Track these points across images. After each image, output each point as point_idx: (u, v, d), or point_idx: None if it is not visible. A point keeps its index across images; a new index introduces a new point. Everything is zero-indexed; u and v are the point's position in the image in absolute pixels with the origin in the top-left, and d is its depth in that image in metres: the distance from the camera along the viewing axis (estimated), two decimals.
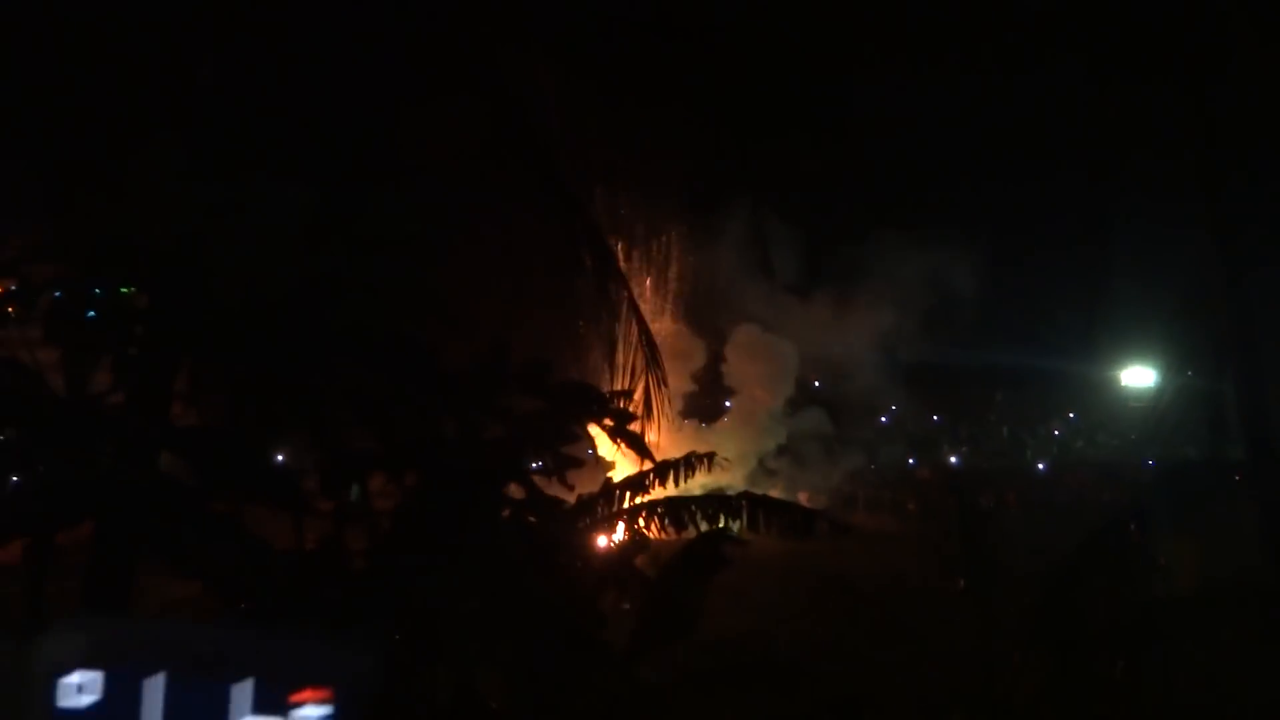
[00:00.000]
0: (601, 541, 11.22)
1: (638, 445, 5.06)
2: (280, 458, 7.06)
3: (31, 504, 3.52)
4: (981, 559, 10.91)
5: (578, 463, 4.59)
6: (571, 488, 6.28)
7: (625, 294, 13.30)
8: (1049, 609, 9.74)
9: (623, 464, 12.76)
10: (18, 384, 3.59)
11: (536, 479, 5.34)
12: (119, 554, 7.34)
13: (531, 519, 5.33)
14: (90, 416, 3.58)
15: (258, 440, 4.13)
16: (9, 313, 3.46)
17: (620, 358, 13.50)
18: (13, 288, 3.60)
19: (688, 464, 12.34)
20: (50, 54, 7.89)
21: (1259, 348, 12.74)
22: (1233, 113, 14.12)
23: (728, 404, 59.66)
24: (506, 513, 5.13)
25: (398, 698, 9.50)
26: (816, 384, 62.53)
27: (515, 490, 4.98)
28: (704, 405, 58.66)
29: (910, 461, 65.28)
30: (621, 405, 7.77)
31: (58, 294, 3.53)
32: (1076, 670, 9.60)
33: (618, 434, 4.61)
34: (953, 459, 68.26)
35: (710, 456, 12.94)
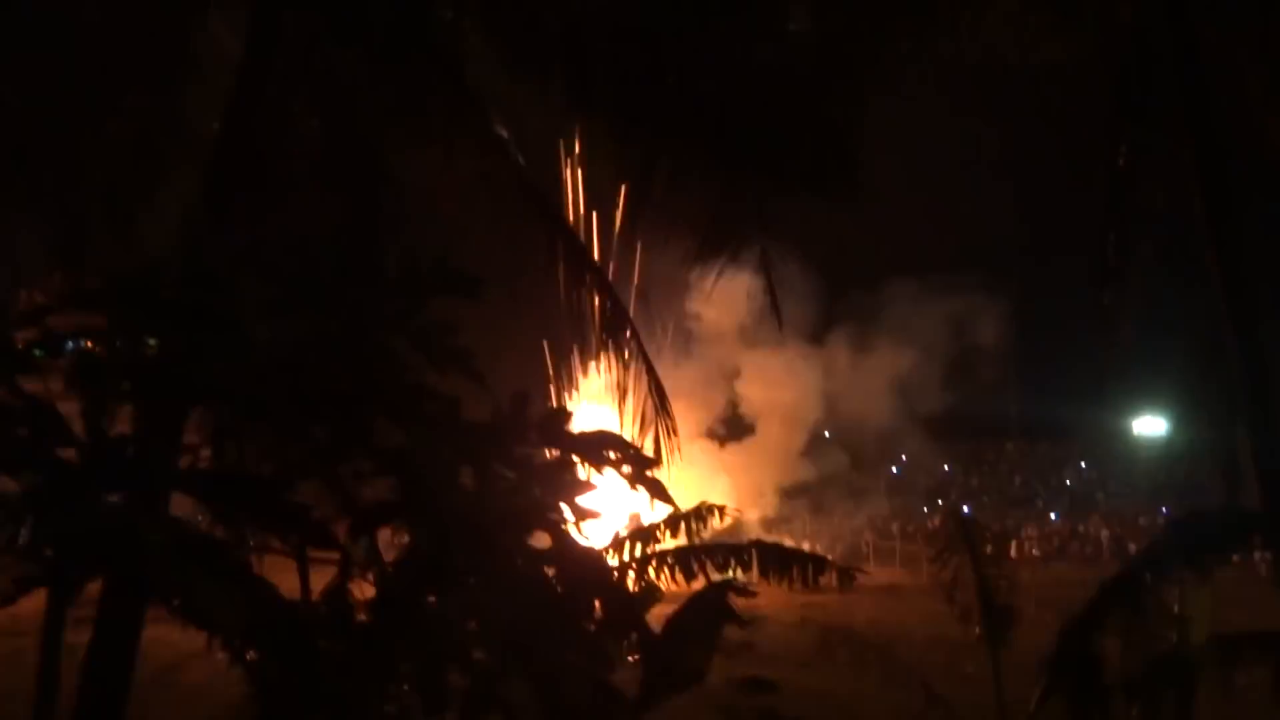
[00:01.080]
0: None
1: (659, 492, 5.01)
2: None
3: (52, 552, 3.52)
4: (996, 608, 10.85)
5: (595, 515, 4.56)
6: (588, 539, 6.27)
7: (635, 343, 13.37)
8: (1064, 658, 9.66)
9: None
10: (41, 427, 3.60)
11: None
12: (128, 604, 7.33)
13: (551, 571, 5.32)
14: (108, 460, 3.58)
15: (274, 487, 4.12)
16: (32, 362, 3.47)
17: (631, 405, 13.54)
18: (36, 338, 3.61)
19: (699, 516, 12.29)
20: (66, 101, 7.96)
21: (1272, 394, 12.68)
22: (1242, 155, 14.11)
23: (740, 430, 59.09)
24: (523, 563, 5.10)
25: None
26: (827, 434, 62.21)
27: (541, 539, 4.95)
28: (721, 430, 58.20)
29: (924, 510, 64.95)
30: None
31: (76, 344, 3.54)
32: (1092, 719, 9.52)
33: (639, 481, 4.56)
34: (965, 508, 68.04)
35: (722, 509, 12.90)
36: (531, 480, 4.19)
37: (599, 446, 4.35)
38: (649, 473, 5.68)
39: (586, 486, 4.61)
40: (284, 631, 5.22)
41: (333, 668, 6.09)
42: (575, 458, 4.49)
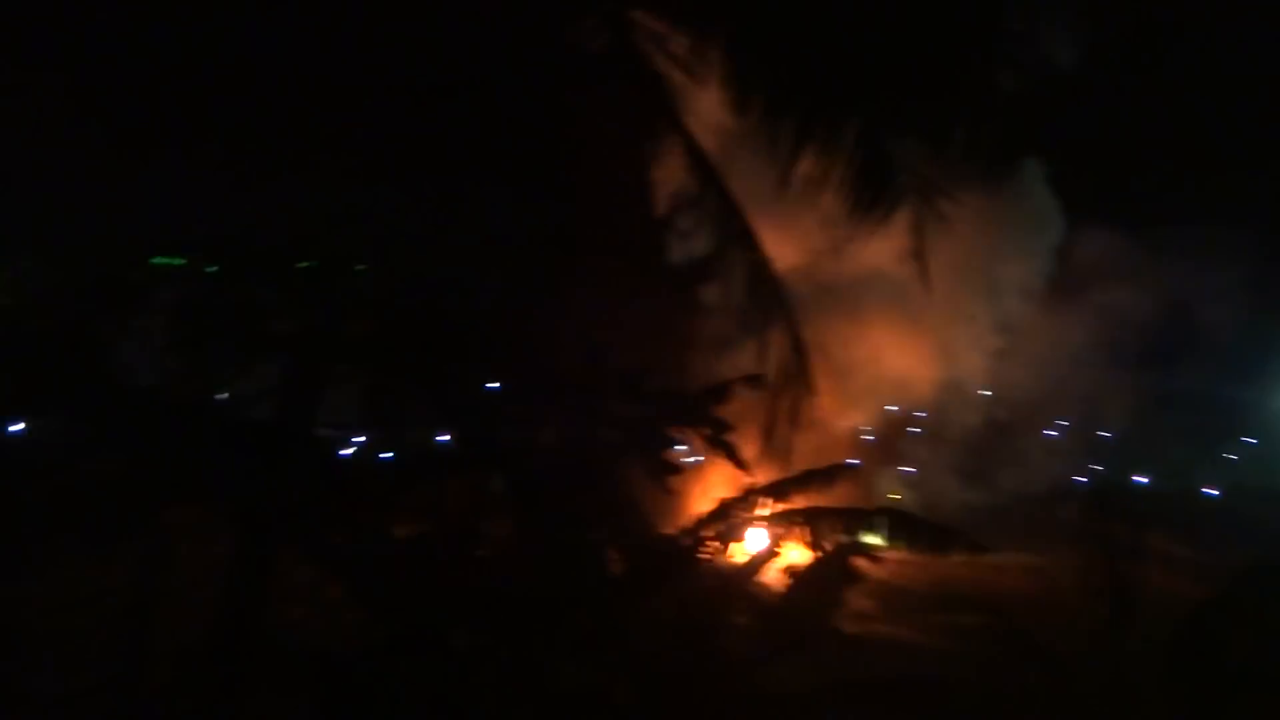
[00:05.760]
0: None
1: (731, 455, 5.06)
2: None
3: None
4: (1124, 591, 10.72)
5: (677, 469, 4.68)
6: (671, 493, 6.41)
7: (778, 300, 13.31)
8: (1186, 647, 9.55)
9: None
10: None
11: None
12: (260, 544, 7.72)
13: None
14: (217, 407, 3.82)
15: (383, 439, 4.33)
16: (140, 300, 3.69)
17: (770, 363, 13.49)
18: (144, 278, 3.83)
19: (829, 476, 12.24)
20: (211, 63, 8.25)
21: None
22: None
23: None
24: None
25: (529, 685, 9.81)
26: (985, 393, 60.72)
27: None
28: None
29: (1080, 480, 63.45)
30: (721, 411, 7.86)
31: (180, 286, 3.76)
32: (1213, 711, 9.40)
33: (713, 443, 4.65)
34: (1135, 479, 66.70)
35: (850, 466, 12.89)
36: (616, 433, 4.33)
37: (679, 405, 4.43)
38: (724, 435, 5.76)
39: (671, 440, 4.72)
40: (404, 568, 5.47)
41: (459, 600, 6.35)
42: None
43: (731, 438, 5.75)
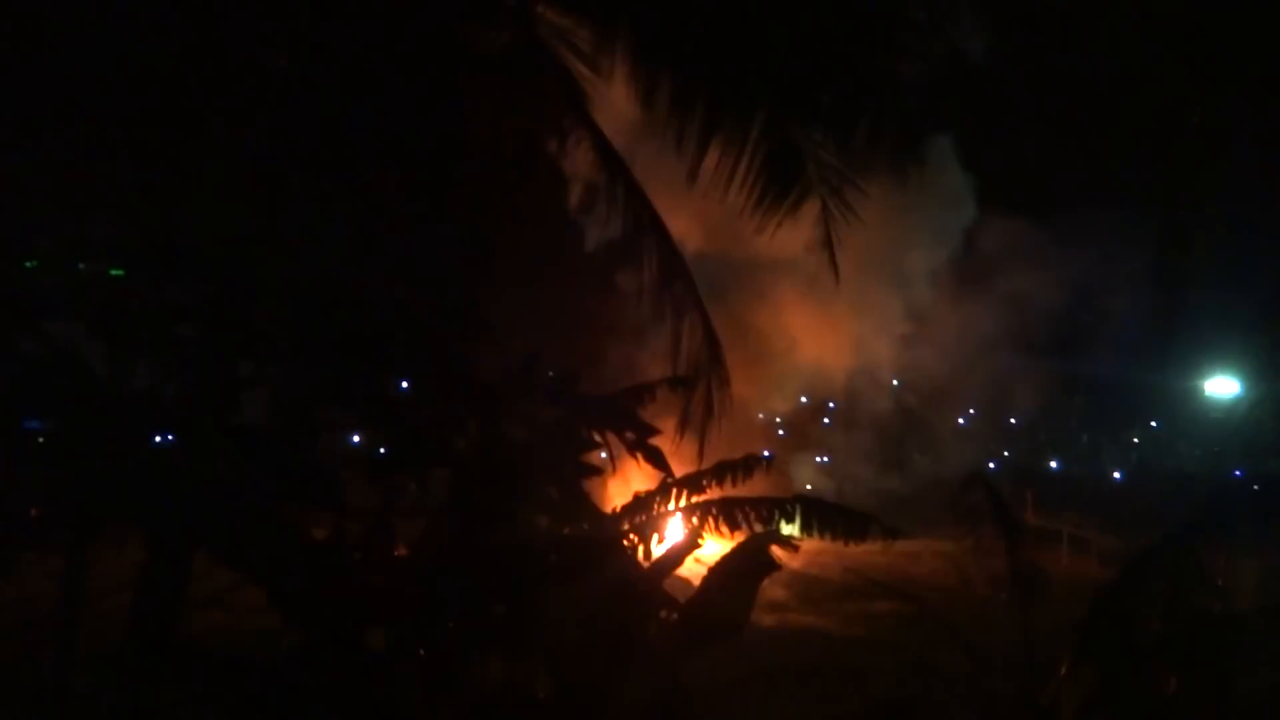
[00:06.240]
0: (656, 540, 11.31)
1: (656, 461, 5.05)
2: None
3: (82, 495, 3.71)
4: (1024, 571, 10.91)
5: (596, 471, 4.69)
6: (586, 494, 6.40)
7: (690, 290, 13.34)
8: (1095, 621, 9.73)
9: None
10: (66, 377, 3.77)
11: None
12: (174, 550, 7.59)
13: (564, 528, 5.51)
14: (138, 411, 3.76)
15: (298, 438, 4.29)
16: (57, 308, 3.63)
17: (683, 354, 13.52)
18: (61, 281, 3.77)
19: (746, 467, 12.27)
20: (125, 46, 8.09)
21: None
22: None
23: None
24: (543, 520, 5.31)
25: (448, 683, 9.74)
26: (895, 382, 61.44)
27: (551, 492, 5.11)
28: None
29: (990, 466, 64.50)
30: (645, 412, 7.87)
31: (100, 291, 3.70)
32: (1124, 683, 9.58)
33: (637, 448, 4.65)
34: (1053, 463, 67.91)
35: (771, 459, 12.93)
36: (540, 437, 4.33)
37: (604, 410, 4.44)
38: (649, 440, 5.79)
39: (592, 446, 4.73)
40: (319, 568, 5.41)
41: (375, 599, 6.29)
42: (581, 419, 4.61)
43: (655, 441, 5.72)
